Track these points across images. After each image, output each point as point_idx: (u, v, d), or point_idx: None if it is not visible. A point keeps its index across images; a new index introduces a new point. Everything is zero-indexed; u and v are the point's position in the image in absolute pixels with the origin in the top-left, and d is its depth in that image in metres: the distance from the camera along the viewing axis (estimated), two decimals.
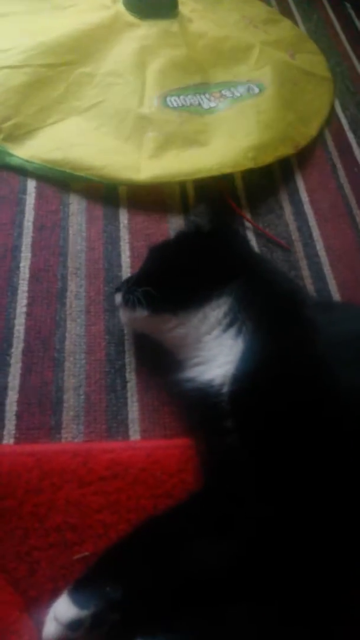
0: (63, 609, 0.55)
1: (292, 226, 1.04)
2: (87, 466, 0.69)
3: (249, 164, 1.06)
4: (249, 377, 0.64)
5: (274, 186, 1.10)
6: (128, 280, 0.82)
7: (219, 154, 1.07)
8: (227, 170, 1.04)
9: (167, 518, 0.64)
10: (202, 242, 0.79)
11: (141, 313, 0.76)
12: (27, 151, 1.03)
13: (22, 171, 1.02)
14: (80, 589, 0.57)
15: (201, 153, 1.08)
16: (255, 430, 0.62)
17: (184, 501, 0.67)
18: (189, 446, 0.73)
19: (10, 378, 0.78)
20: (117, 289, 0.81)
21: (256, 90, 1.21)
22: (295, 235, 1.02)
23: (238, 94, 1.20)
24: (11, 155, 1.03)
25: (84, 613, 0.54)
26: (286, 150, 1.14)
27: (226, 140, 1.10)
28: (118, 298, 0.80)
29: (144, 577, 0.58)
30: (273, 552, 0.57)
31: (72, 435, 0.74)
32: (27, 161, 1.02)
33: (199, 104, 1.16)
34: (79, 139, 1.06)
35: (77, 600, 0.55)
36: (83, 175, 1.00)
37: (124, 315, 0.81)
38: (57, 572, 0.63)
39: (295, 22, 1.50)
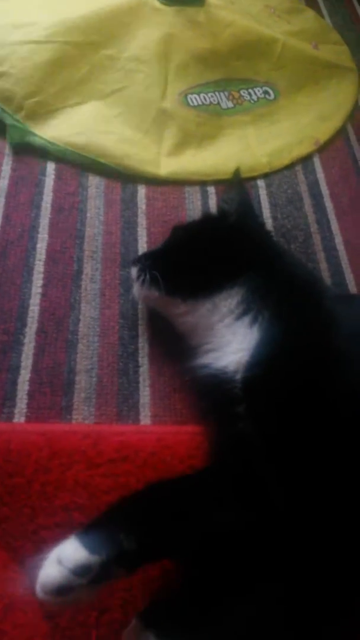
0: (70, 551, 0.50)
1: (311, 218, 1.03)
2: (97, 448, 0.69)
3: (264, 169, 1.09)
4: (265, 364, 0.63)
5: (293, 178, 1.09)
6: (146, 255, 0.82)
7: (236, 159, 1.07)
8: (244, 175, 1.04)
9: (182, 481, 0.63)
10: (224, 231, 0.78)
11: (151, 293, 0.75)
12: (50, 131, 1.03)
13: (42, 153, 1.01)
14: (91, 532, 0.52)
15: (218, 156, 1.09)
16: (268, 417, 0.61)
17: (195, 473, 0.66)
18: (200, 433, 0.72)
19: (23, 357, 0.78)
20: (134, 262, 0.81)
21: (272, 95, 1.22)
22: (313, 228, 1.01)
23: (255, 98, 1.20)
24: (34, 134, 1.02)
25: (94, 559, 0.49)
26: (304, 149, 1.14)
27: (242, 147, 1.12)
28: (133, 272, 0.80)
29: (163, 528, 0.55)
30: (282, 540, 0.56)
31: (82, 416, 0.74)
32: (49, 142, 1.02)
33: (218, 103, 1.16)
34: (101, 125, 1.06)
35: (87, 544, 0.50)
36: (105, 162, 1.01)
37: (136, 291, 0.81)
38: None
39: (321, 15, 1.48)
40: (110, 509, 0.56)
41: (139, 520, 0.55)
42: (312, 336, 0.64)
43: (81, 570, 0.49)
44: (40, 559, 0.50)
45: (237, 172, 0.88)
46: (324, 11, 1.51)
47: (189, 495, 0.59)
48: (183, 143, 1.09)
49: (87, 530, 0.52)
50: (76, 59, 1.11)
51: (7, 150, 1.01)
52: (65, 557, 0.49)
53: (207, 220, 0.90)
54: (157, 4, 1.22)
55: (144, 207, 0.98)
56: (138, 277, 0.78)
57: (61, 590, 0.49)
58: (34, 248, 0.90)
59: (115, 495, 0.66)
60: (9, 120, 1.02)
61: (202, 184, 1.04)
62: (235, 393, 0.64)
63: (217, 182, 1.05)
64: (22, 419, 0.73)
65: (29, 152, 1.01)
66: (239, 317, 0.70)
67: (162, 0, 1.22)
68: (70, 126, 1.05)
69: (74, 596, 0.49)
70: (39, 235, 0.91)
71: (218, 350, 0.70)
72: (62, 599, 0.49)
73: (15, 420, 0.73)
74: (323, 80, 1.29)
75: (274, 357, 0.64)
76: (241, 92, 1.21)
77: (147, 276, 0.75)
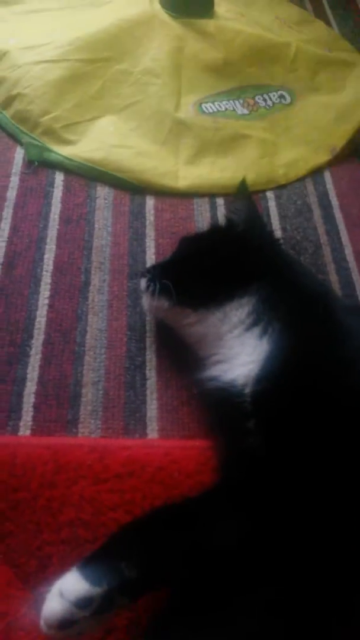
0: (71, 584, 0.50)
1: (321, 230, 1.02)
2: (103, 462, 0.68)
3: (281, 181, 1.09)
4: (275, 378, 0.62)
5: (303, 189, 1.08)
6: (155, 266, 0.81)
7: (253, 170, 1.07)
8: (260, 187, 1.06)
9: (186, 503, 0.62)
10: (232, 240, 0.78)
11: (162, 303, 0.75)
12: (67, 149, 1.03)
13: (51, 164, 1.01)
14: (92, 564, 0.52)
15: (237, 164, 1.08)
16: (278, 433, 0.60)
17: (201, 494, 0.65)
18: (208, 447, 0.71)
19: (29, 369, 0.77)
20: (143, 274, 0.80)
21: (288, 99, 1.21)
22: (323, 239, 1.00)
23: (271, 103, 1.19)
24: (50, 151, 1.02)
25: (95, 590, 0.49)
26: (320, 159, 1.13)
27: (260, 153, 1.11)
28: (142, 283, 0.79)
29: (165, 556, 0.55)
30: (294, 553, 0.55)
31: (88, 430, 0.73)
32: (67, 158, 1.01)
33: (234, 109, 1.16)
34: (117, 140, 1.06)
35: (88, 576, 0.50)
36: (124, 177, 1.00)
37: (145, 302, 0.80)
38: (68, 568, 0.60)
39: (330, 26, 1.48)
40: (111, 538, 0.56)
41: (141, 548, 0.53)
42: (323, 349, 0.63)
43: (83, 603, 0.48)
44: (44, 580, 0.50)
45: (243, 183, 0.88)
46: (333, 23, 1.51)
47: (193, 521, 0.57)
48: (201, 151, 1.08)
49: (88, 561, 0.52)
50: (89, 75, 1.11)
51: (16, 161, 1.01)
52: (66, 590, 0.49)
53: (215, 230, 0.89)
54: (167, 18, 1.23)
55: (152, 218, 0.98)
56: (147, 287, 0.77)
57: (64, 624, 0.48)
58: (41, 259, 0.89)
59: (121, 511, 0.65)
60: (26, 139, 1.02)
61: (212, 195, 1.03)
62: (244, 407, 0.63)
63: (228, 194, 1.04)
64: (28, 432, 0.72)
65: (42, 164, 1.01)
66: (248, 328, 0.69)
67: (170, 13, 1.23)
68: (88, 142, 1.05)
69: (78, 629, 0.49)
70: (47, 246, 0.91)
71: (227, 362, 0.69)
72: (66, 632, 0.48)
73: (21, 433, 0.72)
74: (339, 78, 1.27)
75: (284, 371, 0.62)
76: (256, 98, 1.20)
77: (158, 286, 0.74)
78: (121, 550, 0.53)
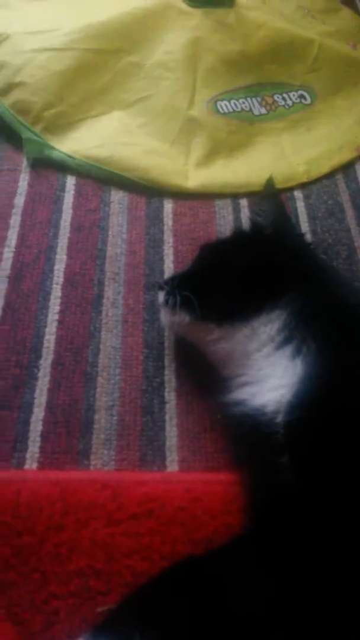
0: None
1: (355, 231, 0.93)
2: (117, 501, 0.60)
3: (302, 179, 1.00)
4: (311, 406, 0.54)
5: (334, 187, 0.99)
6: (173, 278, 0.74)
7: (270, 169, 0.98)
8: (279, 186, 0.97)
9: (207, 559, 0.55)
10: (259, 246, 0.70)
11: (182, 318, 0.67)
12: (69, 145, 0.97)
13: (62, 167, 0.95)
14: (102, 634, 0.48)
15: (251, 165, 1.01)
16: (317, 472, 0.52)
17: (225, 544, 0.57)
18: (235, 483, 0.63)
19: (37, 393, 0.70)
20: (160, 287, 0.73)
21: (308, 100, 1.13)
22: (358, 242, 0.91)
23: (290, 103, 1.12)
24: (52, 148, 0.96)
25: None
26: (345, 156, 1.05)
27: (276, 155, 1.04)
28: (160, 297, 0.72)
29: (181, 622, 0.48)
30: (332, 608, 0.47)
31: (101, 462, 0.66)
32: (69, 156, 0.95)
33: (250, 110, 1.08)
34: (124, 137, 0.99)
35: None
36: (129, 176, 0.93)
37: (164, 317, 0.72)
38: (77, 626, 0.54)
39: (357, 12, 1.39)
40: (124, 602, 0.49)
41: (157, 616, 0.47)
42: None
43: None
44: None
45: (269, 180, 0.80)
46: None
47: (218, 583, 0.49)
48: (213, 153, 1.01)
49: (98, 630, 0.46)
50: (98, 67, 1.05)
51: (24, 164, 0.94)
52: None
53: (239, 235, 0.81)
54: (184, 7, 1.15)
55: (170, 223, 0.90)
56: (166, 301, 0.69)
57: None
58: (51, 270, 0.82)
59: (137, 558, 0.57)
60: (26, 134, 0.96)
61: (234, 196, 0.95)
62: (276, 439, 0.55)
63: (249, 194, 0.96)
64: (35, 465, 0.65)
65: (48, 166, 0.95)
66: (279, 347, 0.61)
67: (189, 2, 1.15)
68: (92, 138, 0.98)
69: None
70: (57, 257, 0.84)
71: (255, 385, 0.61)
72: None
73: (27, 465, 0.65)
74: None
75: (322, 399, 0.54)
76: (275, 97, 1.12)
77: (178, 299, 0.67)
78: (134, 618, 0.47)
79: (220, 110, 1.06)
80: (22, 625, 0.54)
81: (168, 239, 0.88)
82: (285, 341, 0.61)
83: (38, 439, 0.67)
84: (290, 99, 1.13)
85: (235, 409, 0.62)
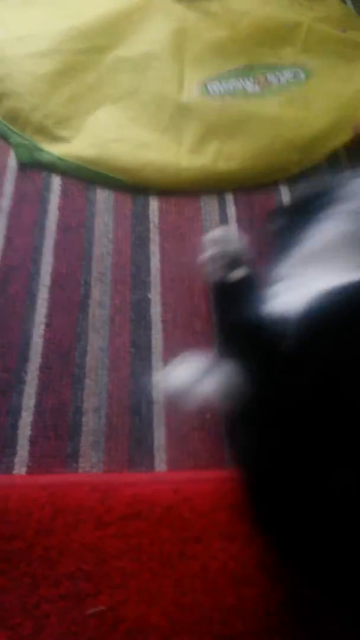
0: None
1: None
2: (105, 503, 0.61)
3: (294, 169, 0.98)
4: None
5: (320, 179, 0.98)
6: None
7: (264, 158, 0.97)
8: (272, 178, 0.96)
9: None
10: None
11: None
12: (59, 146, 0.95)
13: (48, 167, 0.94)
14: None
15: (246, 147, 0.98)
16: None
17: None
18: (224, 480, 0.63)
19: (25, 398, 0.71)
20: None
21: (302, 76, 1.10)
22: None
23: (284, 80, 1.09)
24: (41, 150, 0.95)
25: None
26: (342, 138, 1.01)
27: (272, 137, 1.00)
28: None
29: None
30: None
31: (90, 464, 0.66)
32: (59, 159, 0.94)
33: (243, 88, 1.05)
34: (114, 133, 0.98)
35: None
36: (118, 177, 0.93)
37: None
38: (67, 629, 0.54)
39: (344, 3, 1.37)
40: None
41: None
42: None
43: None
44: None
45: None
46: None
47: None
48: (206, 136, 0.98)
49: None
50: (84, 66, 1.04)
51: (10, 165, 0.94)
52: None
53: None
54: (168, 0, 1.14)
55: (156, 220, 0.90)
56: None
57: None
58: (37, 273, 0.82)
59: (126, 559, 0.58)
60: (16, 140, 0.95)
61: (220, 192, 0.95)
62: None
63: (240, 187, 0.95)
64: (24, 469, 0.65)
65: (33, 166, 0.94)
66: None
67: None
68: (81, 139, 0.97)
69: None
70: (44, 258, 0.84)
71: None
72: None
73: (16, 470, 0.65)
74: (357, 60, 1.17)
75: None
76: (267, 76, 1.09)
77: None
78: None
79: (212, 91, 1.03)
80: (13, 630, 0.54)
81: (154, 237, 0.88)
82: None
83: (26, 443, 0.67)
84: (285, 77, 1.09)
85: None
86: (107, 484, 0.63)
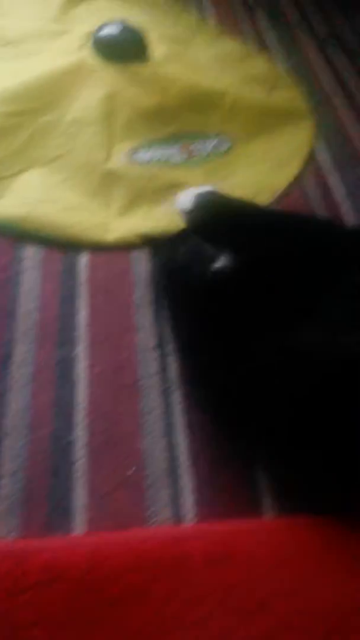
0: None
1: None
2: (18, 571, 0.59)
3: None
4: None
5: None
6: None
7: None
8: None
9: None
10: None
11: None
12: None
13: None
14: None
15: (173, 213, 1.02)
16: None
17: None
18: (142, 540, 0.62)
19: None
20: None
21: (225, 146, 1.17)
22: None
23: (208, 149, 1.15)
24: None
25: None
26: (261, 201, 1.07)
27: None
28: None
29: None
30: None
31: (6, 530, 0.64)
32: None
33: (168, 159, 1.11)
34: (44, 194, 1.00)
35: None
36: (46, 235, 0.94)
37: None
38: None
39: (274, 61, 1.45)
40: None
41: None
42: None
43: None
44: None
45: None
46: (278, 57, 1.48)
47: None
48: (134, 201, 1.02)
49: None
50: (15, 128, 1.07)
51: None
52: None
53: None
54: (99, 63, 1.19)
55: (85, 276, 0.91)
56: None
57: None
58: None
59: (41, 630, 0.56)
60: None
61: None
62: None
63: None
64: None
65: None
66: None
67: (103, 59, 1.19)
68: (10, 198, 0.99)
69: None
70: None
71: None
72: None
73: None
74: (278, 128, 1.24)
75: None
76: (193, 144, 1.15)
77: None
78: None
79: (139, 160, 1.08)
80: None
81: (82, 292, 0.89)
82: None
83: None
84: (208, 147, 1.16)
85: None
86: (21, 550, 0.61)
